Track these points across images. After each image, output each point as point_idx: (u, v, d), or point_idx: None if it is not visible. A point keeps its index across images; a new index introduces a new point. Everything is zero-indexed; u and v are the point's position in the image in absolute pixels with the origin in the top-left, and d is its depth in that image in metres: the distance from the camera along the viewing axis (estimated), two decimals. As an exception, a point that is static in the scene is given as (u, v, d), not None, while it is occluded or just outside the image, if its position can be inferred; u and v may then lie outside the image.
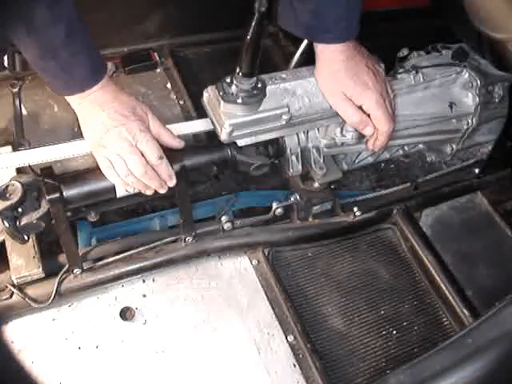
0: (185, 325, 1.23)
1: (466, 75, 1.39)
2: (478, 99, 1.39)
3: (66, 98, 1.10)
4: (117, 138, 1.07)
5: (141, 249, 1.26)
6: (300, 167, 1.30)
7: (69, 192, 1.12)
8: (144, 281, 1.28)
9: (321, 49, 1.22)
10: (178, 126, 1.26)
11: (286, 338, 1.22)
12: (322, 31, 1.19)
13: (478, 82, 1.38)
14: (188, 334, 1.22)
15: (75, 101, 1.10)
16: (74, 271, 1.21)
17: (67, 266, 1.20)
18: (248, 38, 1.05)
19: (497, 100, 1.45)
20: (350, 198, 1.46)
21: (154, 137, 1.12)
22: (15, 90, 1.59)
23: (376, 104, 1.22)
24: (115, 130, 1.07)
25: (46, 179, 1.10)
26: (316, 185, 1.32)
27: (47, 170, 1.14)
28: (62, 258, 1.22)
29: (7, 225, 1.10)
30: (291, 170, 1.31)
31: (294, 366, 1.19)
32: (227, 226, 1.30)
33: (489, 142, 1.55)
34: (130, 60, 1.80)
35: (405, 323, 1.29)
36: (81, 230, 1.31)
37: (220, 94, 1.16)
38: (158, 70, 1.83)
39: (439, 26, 1.46)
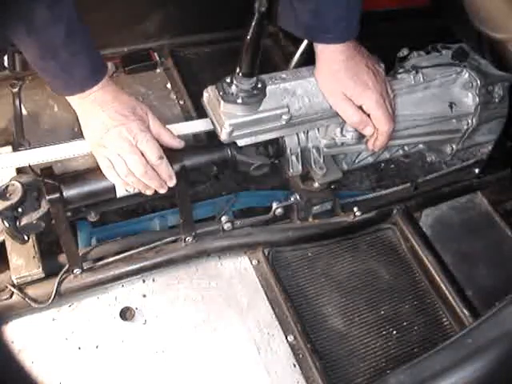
0: (185, 325, 1.23)
1: (466, 75, 1.39)
2: (477, 99, 1.39)
3: (66, 98, 1.10)
4: (117, 137, 1.07)
5: (141, 249, 1.26)
6: (300, 167, 1.30)
7: (69, 192, 1.12)
8: (144, 281, 1.28)
9: (321, 49, 1.22)
10: (178, 126, 1.26)
11: (286, 337, 1.22)
12: (322, 31, 1.19)
13: (478, 82, 1.38)
14: (188, 334, 1.22)
15: (75, 101, 1.10)
16: (74, 271, 1.21)
17: (67, 266, 1.20)
18: (248, 37, 1.05)
19: (497, 100, 1.45)
20: (350, 198, 1.45)
21: (154, 137, 1.12)
22: (15, 90, 1.59)
23: (376, 104, 1.22)
24: (115, 129, 1.08)
25: (46, 179, 1.10)
26: (316, 185, 1.32)
27: (47, 170, 1.14)
28: (62, 258, 1.22)
29: (7, 225, 1.10)
30: (291, 170, 1.31)
31: (294, 366, 1.19)
32: (227, 226, 1.31)
33: (489, 142, 1.55)
34: (130, 60, 1.80)
35: (405, 323, 1.29)
36: (81, 230, 1.31)
37: (220, 93, 1.16)
38: (158, 70, 1.82)
39: (439, 26, 1.46)
